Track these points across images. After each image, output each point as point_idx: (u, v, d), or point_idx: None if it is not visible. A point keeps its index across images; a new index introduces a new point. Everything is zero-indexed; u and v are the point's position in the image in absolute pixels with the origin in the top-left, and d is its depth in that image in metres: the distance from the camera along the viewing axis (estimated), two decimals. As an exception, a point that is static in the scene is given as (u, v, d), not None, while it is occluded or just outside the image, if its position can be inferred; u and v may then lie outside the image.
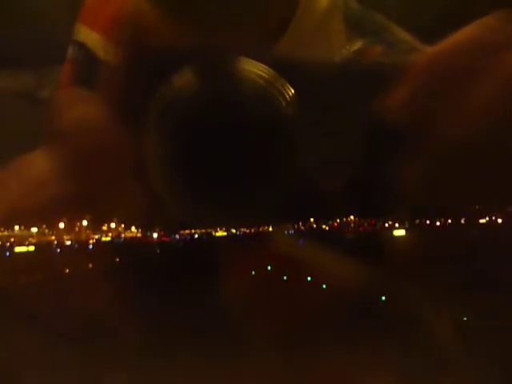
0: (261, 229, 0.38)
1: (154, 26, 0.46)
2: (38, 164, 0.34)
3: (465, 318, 0.38)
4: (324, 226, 0.39)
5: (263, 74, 0.31)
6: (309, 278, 0.38)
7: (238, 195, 0.32)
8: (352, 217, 0.39)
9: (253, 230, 0.38)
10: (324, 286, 0.37)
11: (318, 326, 0.37)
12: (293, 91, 0.32)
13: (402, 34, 0.50)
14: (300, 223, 0.39)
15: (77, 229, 0.38)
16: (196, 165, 0.32)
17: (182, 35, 0.44)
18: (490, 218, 0.38)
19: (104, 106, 0.33)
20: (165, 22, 0.45)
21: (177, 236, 0.40)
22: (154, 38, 0.46)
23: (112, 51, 0.51)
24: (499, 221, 0.38)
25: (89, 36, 0.53)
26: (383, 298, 0.37)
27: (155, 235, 0.40)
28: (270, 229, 0.38)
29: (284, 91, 0.31)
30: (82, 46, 0.53)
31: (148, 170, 0.32)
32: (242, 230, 0.39)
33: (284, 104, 0.31)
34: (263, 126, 0.31)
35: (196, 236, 0.39)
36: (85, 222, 0.38)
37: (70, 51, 0.54)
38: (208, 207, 0.33)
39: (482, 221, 0.38)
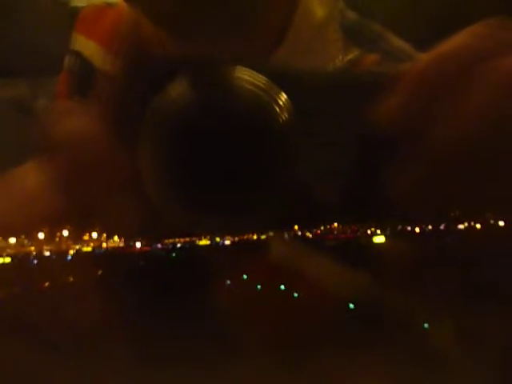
0: (249, 237, 0.38)
1: (149, 36, 0.46)
2: (30, 176, 0.33)
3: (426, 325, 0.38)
4: (308, 234, 0.39)
5: (258, 83, 0.32)
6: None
7: (233, 203, 0.32)
8: (336, 224, 0.39)
9: (237, 239, 0.38)
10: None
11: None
12: (288, 100, 0.32)
13: (399, 43, 0.50)
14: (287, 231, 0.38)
15: (57, 239, 0.37)
16: (192, 173, 0.32)
17: (177, 45, 0.44)
18: (469, 223, 0.38)
19: (99, 117, 0.33)
20: (160, 32, 0.45)
21: (158, 245, 0.39)
22: (149, 48, 0.46)
23: (109, 61, 0.51)
24: (478, 226, 0.38)
25: (85, 45, 0.53)
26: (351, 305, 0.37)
27: (138, 244, 0.39)
28: (263, 237, 0.38)
29: (279, 100, 0.32)
30: (78, 55, 0.53)
31: (143, 179, 0.31)
32: (228, 238, 0.38)
33: (279, 112, 0.31)
34: (258, 135, 0.31)
35: (178, 245, 0.39)
36: (66, 232, 0.37)
37: (67, 61, 0.54)
38: (203, 215, 0.32)
39: (461, 226, 0.38)
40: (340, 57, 0.47)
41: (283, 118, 0.31)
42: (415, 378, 0.37)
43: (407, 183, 0.30)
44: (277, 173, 0.32)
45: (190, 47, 0.43)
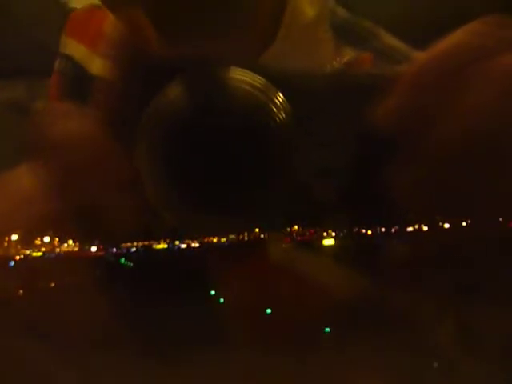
0: (247, 236, 0.37)
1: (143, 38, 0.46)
2: (24, 179, 0.33)
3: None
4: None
5: (255, 84, 0.32)
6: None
7: (231, 202, 0.32)
8: (296, 227, 0.38)
9: (197, 245, 0.37)
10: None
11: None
12: (284, 100, 0.32)
13: (392, 41, 0.50)
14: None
15: (6, 244, 0.36)
16: (190, 173, 0.32)
17: (171, 47, 0.44)
18: (419, 226, 0.38)
19: (94, 119, 0.32)
20: (154, 34, 0.44)
21: (114, 249, 0.38)
22: (144, 50, 0.46)
23: (102, 64, 0.51)
24: (425, 229, 0.37)
25: (75, 48, 0.53)
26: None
27: (94, 249, 0.37)
28: (261, 236, 0.38)
29: (276, 100, 0.32)
30: (69, 58, 0.53)
31: (141, 180, 0.31)
32: (188, 242, 0.37)
33: (276, 112, 0.32)
34: (255, 134, 0.32)
35: (133, 250, 0.37)
36: (15, 237, 0.36)
37: (57, 64, 0.54)
38: (201, 215, 0.33)
39: (410, 229, 0.38)
40: (337, 59, 0.46)
41: (280, 118, 0.31)
42: (416, 378, 0.37)
43: (405, 183, 0.30)
44: (274, 172, 0.32)
45: (181, 49, 0.43)
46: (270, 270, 0.38)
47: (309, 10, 0.49)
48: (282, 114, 0.31)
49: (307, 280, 0.38)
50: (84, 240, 0.36)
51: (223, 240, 0.37)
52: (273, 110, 0.31)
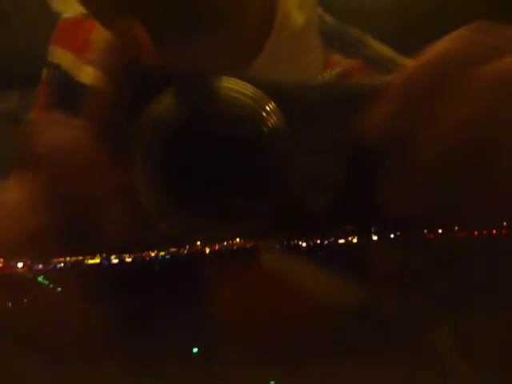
0: (239, 245, 0.37)
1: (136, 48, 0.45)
2: (12, 192, 0.32)
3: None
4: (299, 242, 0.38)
5: (247, 93, 0.32)
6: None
7: (224, 210, 0.32)
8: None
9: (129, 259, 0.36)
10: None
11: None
12: (276, 108, 0.32)
13: (381, 48, 0.50)
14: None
15: None
16: (184, 181, 0.32)
17: (162, 56, 0.44)
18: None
19: (81, 129, 0.32)
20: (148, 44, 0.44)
21: (39, 266, 0.35)
22: (136, 59, 0.46)
23: (91, 72, 0.50)
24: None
25: (62, 57, 0.52)
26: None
27: (20, 265, 0.35)
28: (252, 245, 0.37)
29: (268, 108, 0.32)
30: (56, 67, 0.53)
31: (136, 189, 0.31)
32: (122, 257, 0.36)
33: (267, 120, 0.31)
34: (248, 142, 0.32)
35: (59, 265, 0.35)
36: None
37: (45, 73, 0.54)
38: (197, 223, 0.33)
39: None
40: (329, 70, 0.46)
41: (272, 126, 0.31)
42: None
43: (395, 192, 0.30)
44: (267, 181, 0.32)
45: (174, 58, 0.43)
46: (262, 279, 0.38)
47: (298, 18, 0.49)
48: (275, 122, 0.31)
49: (300, 289, 0.38)
50: (73, 253, 0.36)
51: (212, 248, 0.37)
52: (265, 118, 0.31)
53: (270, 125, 0.32)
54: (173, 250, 0.37)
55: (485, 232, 0.37)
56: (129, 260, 0.34)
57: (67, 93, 0.52)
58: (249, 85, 0.32)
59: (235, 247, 0.38)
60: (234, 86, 0.32)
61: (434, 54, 0.30)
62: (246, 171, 0.32)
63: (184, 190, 0.32)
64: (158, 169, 0.32)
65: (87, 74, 0.51)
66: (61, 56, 0.53)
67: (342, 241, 0.39)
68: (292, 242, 0.39)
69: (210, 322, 0.37)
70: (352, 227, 0.39)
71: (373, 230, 0.39)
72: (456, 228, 0.38)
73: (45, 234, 0.31)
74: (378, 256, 0.39)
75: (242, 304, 0.38)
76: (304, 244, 0.39)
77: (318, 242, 0.39)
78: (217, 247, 0.38)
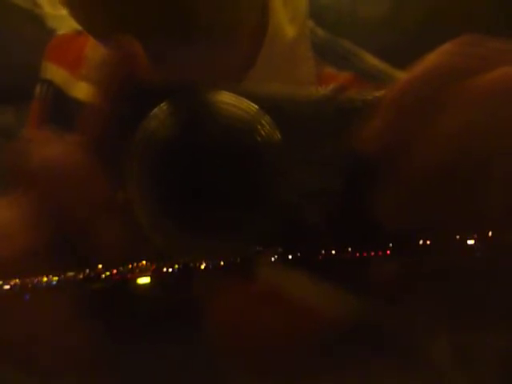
0: (234, 258, 0.37)
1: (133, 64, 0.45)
2: (3, 209, 0.32)
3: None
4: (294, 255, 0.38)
5: (242, 106, 0.32)
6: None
7: (220, 224, 0.32)
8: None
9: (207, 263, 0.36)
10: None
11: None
12: (271, 122, 0.32)
13: (373, 60, 0.50)
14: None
15: None
16: (179, 195, 0.32)
17: (157, 71, 0.44)
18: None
19: (74, 145, 0.31)
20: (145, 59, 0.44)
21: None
22: (132, 74, 0.46)
23: (85, 88, 0.50)
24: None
25: (55, 73, 0.53)
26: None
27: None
28: (248, 258, 0.37)
29: (263, 121, 0.32)
30: (49, 83, 0.53)
31: (131, 205, 0.31)
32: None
33: (264, 134, 0.32)
34: (245, 156, 0.32)
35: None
36: None
37: (38, 89, 0.54)
38: (192, 236, 0.32)
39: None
40: (323, 85, 0.47)
41: (267, 139, 0.32)
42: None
43: (388, 205, 0.30)
44: (262, 193, 0.32)
45: (170, 73, 0.43)
46: (258, 293, 0.38)
47: (289, 30, 0.49)
48: (270, 136, 0.32)
49: (297, 302, 0.38)
50: (66, 270, 0.35)
51: (207, 262, 0.37)
52: (260, 131, 0.32)
53: (264, 138, 0.32)
54: (166, 264, 0.37)
55: (478, 243, 0.37)
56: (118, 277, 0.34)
57: (60, 109, 0.52)
58: (243, 98, 0.32)
59: (230, 260, 0.38)
60: (228, 100, 0.32)
61: (424, 68, 0.30)
62: (242, 184, 0.32)
63: (179, 204, 0.32)
64: (154, 183, 0.32)
65: (80, 90, 0.51)
66: (54, 72, 0.53)
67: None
68: (288, 255, 0.39)
69: (206, 336, 0.37)
70: (347, 240, 0.39)
71: (369, 242, 0.39)
72: (450, 239, 0.38)
73: (36, 252, 0.31)
74: (375, 268, 0.39)
75: (238, 318, 0.38)
76: (300, 256, 0.39)
77: (314, 254, 0.39)
78: (211, 261, 0.38)
